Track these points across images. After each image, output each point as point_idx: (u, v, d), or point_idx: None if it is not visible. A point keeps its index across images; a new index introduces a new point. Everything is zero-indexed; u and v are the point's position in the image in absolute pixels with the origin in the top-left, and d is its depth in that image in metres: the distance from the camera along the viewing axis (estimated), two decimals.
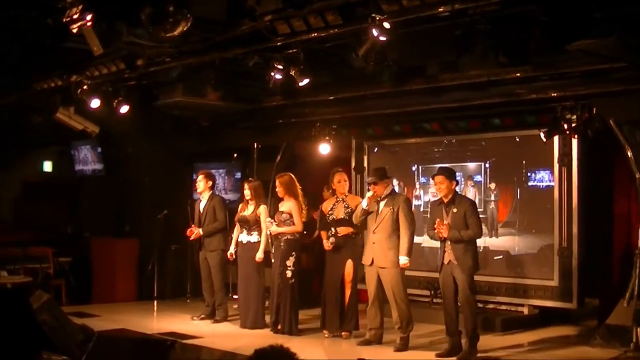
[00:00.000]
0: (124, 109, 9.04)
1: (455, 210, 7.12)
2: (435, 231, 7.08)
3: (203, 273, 9.01)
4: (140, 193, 11.50)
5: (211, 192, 9.06)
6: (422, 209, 9.70)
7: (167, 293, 10.68)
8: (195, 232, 8.85)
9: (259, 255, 8.38)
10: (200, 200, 9.06)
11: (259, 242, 8.45)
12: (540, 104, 8.03)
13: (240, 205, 8.72)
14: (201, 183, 8.98)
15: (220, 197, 9.29)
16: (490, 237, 9.06)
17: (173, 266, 10.90)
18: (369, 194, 7.53)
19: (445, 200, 7.19)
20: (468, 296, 7.10)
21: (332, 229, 7.98)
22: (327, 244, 7.98)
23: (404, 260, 7.33)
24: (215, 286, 8.90)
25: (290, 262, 8.06)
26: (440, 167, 7.49)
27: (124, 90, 8.93)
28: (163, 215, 10.42)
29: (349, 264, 7.93)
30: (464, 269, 7.07)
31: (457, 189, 7.47)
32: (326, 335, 8.01)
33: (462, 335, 7.18)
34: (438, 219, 7.10)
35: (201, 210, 8.99)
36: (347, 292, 7.93)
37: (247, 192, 8.52)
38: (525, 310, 8.75)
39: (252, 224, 8.49)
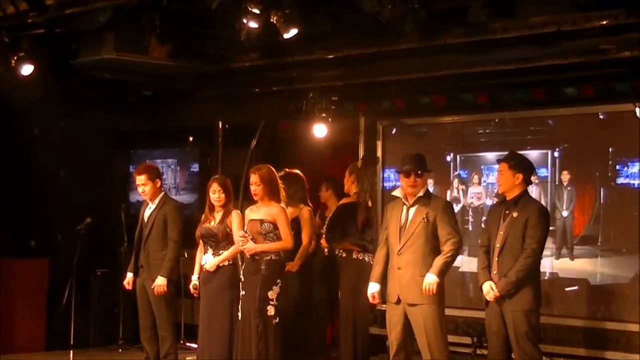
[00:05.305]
0: (28, 69, 9.04)
1: (515, 214, 7.15)
2: None
3: (141, 310, 8.87)
4: (52, 193, 11.37)
5: (162, 193, 8.98)
6: (461, 217, 9.74)
7: (90, 339, 10.69)
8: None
9: (211, 264, 8.29)
10: (148, 204, 8.97)
11: (231, 265, 8.39)
12: (636, 65, 8.09)
13: (203, 214, 8.57)
14: (147, 187, 8.80)
15: (176, 204, 9.07)
16: (560, 258, 9.10)
17: (99, 300, 10.89)
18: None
19: (508, 200, 7.28)
20: (525, 346, 7.02)
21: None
22: None
23: (430, 279, 7.25)
24: (160, 329, 8.72)
25: (273, 294, 7.96)
26: (509, 152, 7.57)
27: (28, 42, 8.92)
28: (85, 225, 10.40)
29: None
30: (518, 306, 7.05)
31: None
32: None
33: None
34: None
35: (145, 219, 8.92)
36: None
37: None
38: None
39: (222, 240, 8.39)
